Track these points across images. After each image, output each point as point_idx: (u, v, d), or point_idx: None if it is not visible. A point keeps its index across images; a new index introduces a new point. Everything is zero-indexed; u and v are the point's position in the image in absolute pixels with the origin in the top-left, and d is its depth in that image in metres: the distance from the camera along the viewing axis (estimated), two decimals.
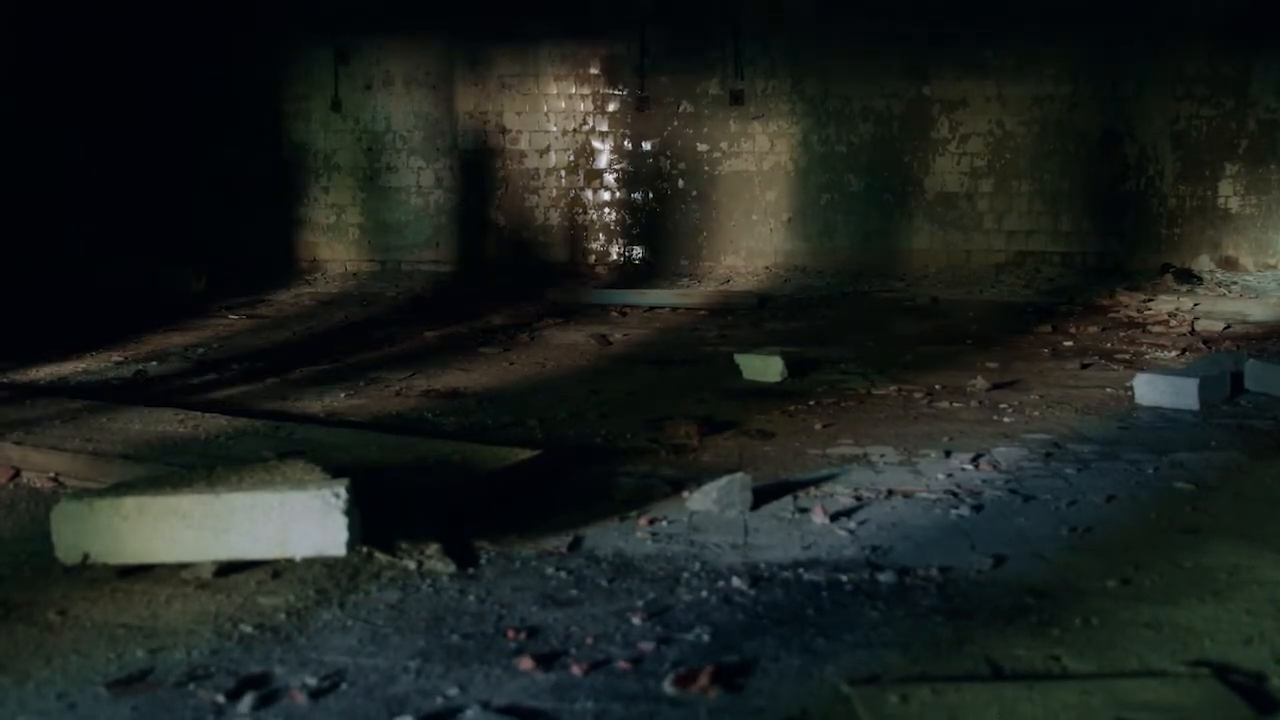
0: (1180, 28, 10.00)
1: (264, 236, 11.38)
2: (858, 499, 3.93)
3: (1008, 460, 4.41)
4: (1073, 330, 7.61)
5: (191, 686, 2.58)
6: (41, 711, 2.48)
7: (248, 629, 2.88)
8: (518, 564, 3.33)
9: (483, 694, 2.53)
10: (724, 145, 10.81)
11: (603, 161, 11.04)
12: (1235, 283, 9.69)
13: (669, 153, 10.92)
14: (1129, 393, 5.45)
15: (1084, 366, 6.34)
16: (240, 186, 11.40)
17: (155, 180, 11.04)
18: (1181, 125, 10.16)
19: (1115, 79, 10.17)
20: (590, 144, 11.04)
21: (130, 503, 3.18)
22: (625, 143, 10.99)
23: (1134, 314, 8.30)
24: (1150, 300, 8.70)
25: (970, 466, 4.32)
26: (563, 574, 3.25)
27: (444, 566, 3.27)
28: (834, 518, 3.71)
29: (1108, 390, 5.68)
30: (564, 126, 11.06)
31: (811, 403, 5.45)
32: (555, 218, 11.15)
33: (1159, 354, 6.73)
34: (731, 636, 2.81)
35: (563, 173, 11.10)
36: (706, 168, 10.86)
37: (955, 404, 5.40)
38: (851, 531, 3.59)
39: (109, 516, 3.19)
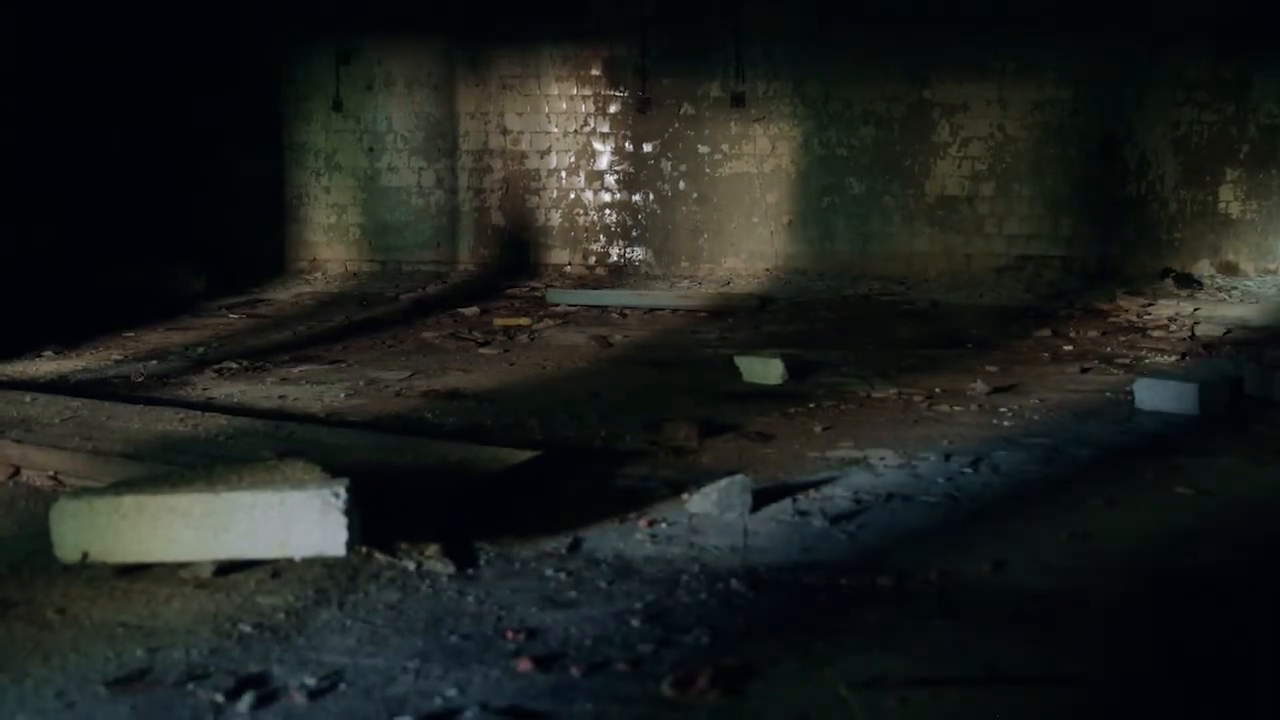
0: (1181, 33, 9.99)
1: (264, 236, 11.37)
2: (857, 502, 3.93)
3: (1007, 464, 4.41)
4: (1073, 334, 7.61)
5: (190, 686, 2.57)
6: (40, 710, 2.48)
7: (247, 629, 2.88)
8: (517, 565, 3.33)
9: (482, 695, 2.53)
10: (725, 147, 10.81)
11: (604, 163, 11.04)
12: (1235, 288, 9.69)
13: (670, 154, 10.92)
14: (1129, 397, 5.45)
15: (1084, 370, 6.34)
16: (240, 186, 11.39)
17: (155, 180, 11.03)
18: (1182, 130, 10.15)
19: (1116, 84, 10.16)
20: (591, 145, 11.04)
21: (129, 501, 3.18)
22: (626, 144, 10.99)
23: (1134, 318, 8.30)
24: (1150, 304, 8.69)
25: (970, 470, 4.32)
26: (562, 575, 3.25)
27: (443, 567, 3.28)
28: (833, 520, 3.71)
29: (1107, 394, 5.68)
30: (565, 128, 11.05)
31: (811, 405, 5.45)
32: (556, 219, 11.14)
33: (1159, 358, 6.73)
34: (731, 639, 2.81)
35: (564, 174, 11.10)
36: (707, 170, 10.85)
37: (955, 407, 5.39)
38: (851, 534, 3.59)
39: (108, 515, 3.18)
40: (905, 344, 7.39)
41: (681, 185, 10.92)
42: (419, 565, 3.28)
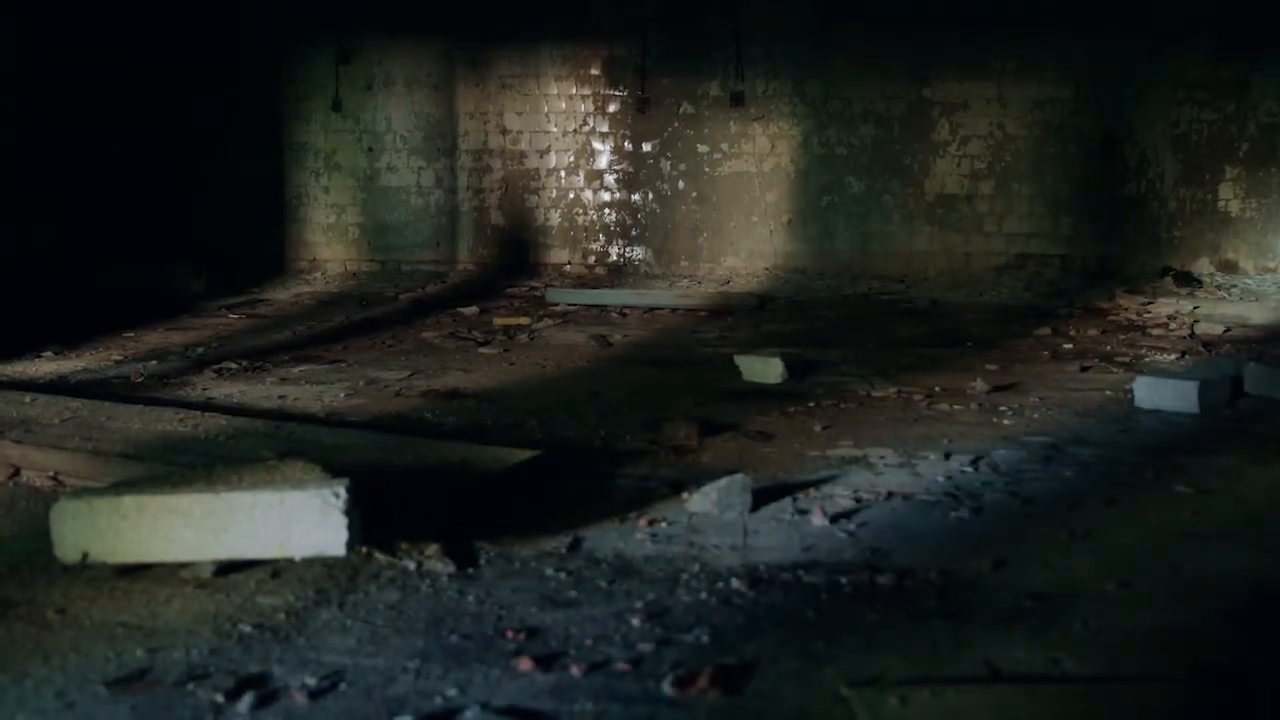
0: (1181, 33, 10.00)
1: (263, 236, 11.37)
2: (857, 501, 3.93)
3: (1007, 463, 4.41)
4: (1073, 333, 7.61)
5: (190, 686, 2.58)
6: (40, 710, 2.48)
7: (247, 629, 2.88)
8: (517, 565, 3.33)
9: (482, 695, 2.53)
10: (724, 146, 10.81)
11: (603, 162, 11.04)
12: (1235, 286, 9.69)
13: (669, 154, 10.92)
14: (1129, 395, 5.45)
15: (1084, 369, 6.34)
16: (240, 186, 11.39)
17: (155, 180, 11.03)
18: (1182, 129, 10.15)
19: (1116, 83, 10.16)
20: (590, 145, 11.04)
21: (130, 501, 3.18)
22: (625, 143, 10.99)
23: (1134, 317, 8.30)
24: (1150, 303, 8.69)
25: (970, 469, 4.32)
26: (562, 575, 3.25)
27: (443, 567, 3.28)
28: (833, 519, 3.71)
29: (1107, 393, 5.68)
30: (564, 127, 11.06)
31: (811, 404, 5.45)
32: (555, 218, 11.15)
33: (1159, 357, 6.74)
34: (731, 638, 2.81)
35: (563, 173, 11.10)
36: (707, 169, 10.86)
37: (955, 406, 5.40)
38: (851, 533, 3.59)
39: (108, 515, 3.18)
40: (905, 343, 7.39)
41: (681, 184, 10.92)
42: (419, 565, 3.28)
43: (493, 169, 11.20)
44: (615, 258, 11.07)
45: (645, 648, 2.75)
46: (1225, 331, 7.61)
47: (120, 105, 10.73)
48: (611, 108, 10.96)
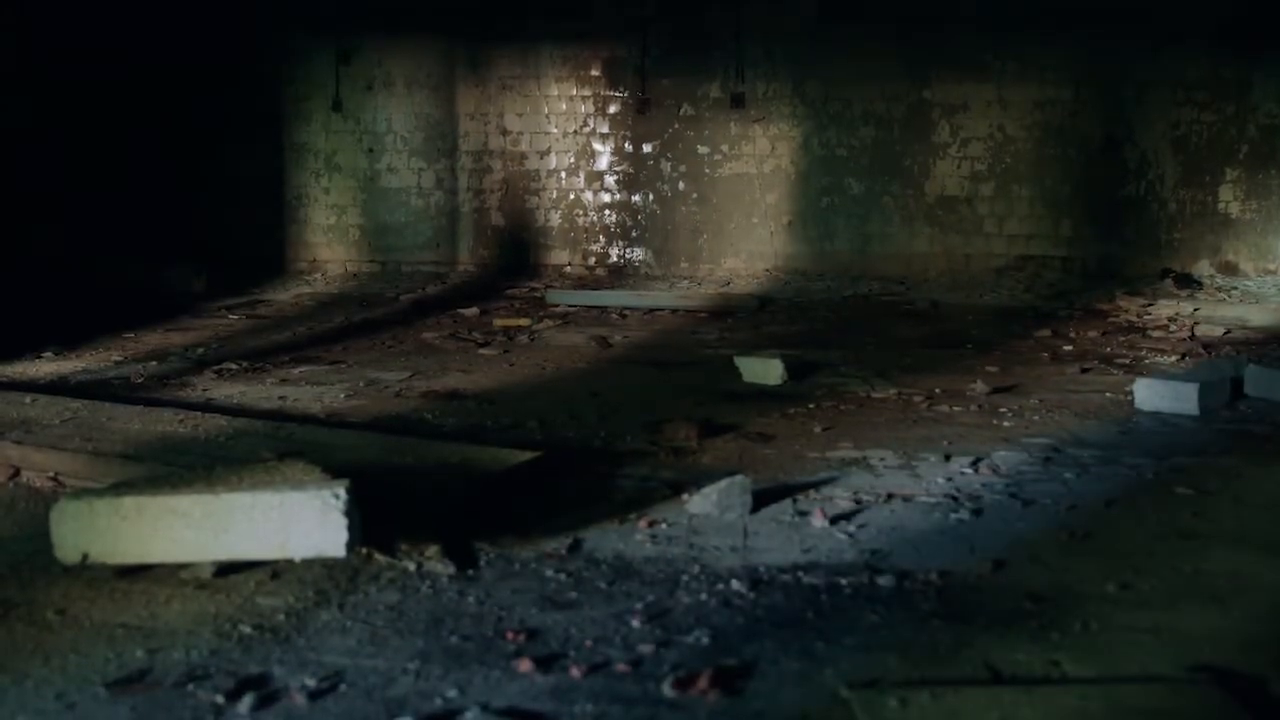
0: (1181, 33, 10.01)
1: (264, 237, 11.37)
2: (857, 502, 3.93)
3: (1007, 464, 4.41)
4: (1073, 334, 7.62)
5: (190, 687, 2.58)
6: (40, 711, 2.48)
7: (247, 629, 2.88)
8: (517, 566, 3.33)
9: (482, 696, 2.53)
10: (725, 148, 10.81)
11: (603, 163, 11.04)
12: (1235, 288, 9.70)
13: (670, 155, 10.92)
14: (1129, 397, 5.45)
15: (1084, 371, 6.34)
16: (240, 186, 11.39)
17: (155, 180, 11.03)
18: (1182, 130, 10.16)
19: (1116, 84, 10.17)
20: (591, 146, 11.04)
21: (130, 502, 3.18)
22: (626, 145, 10.99)
23: (1134, 318, 8.30)
24: (1150, 305, 8.69)
25: (970, 470, 4.32)
26: (562, 576, 3.25)
27: (443, 568, 3.27)
28: (833, 521, 3.71)
29: (1107, 395, 5.68)
30: (565, 128, 11.06)
31: (811, 406, 5.45)
32: (556, 219, 11.15)
33: (1159, 359, 6.74)
34: (731, 639, 2.81)
35: (563, 174, 11.10)
36: (707, 170, 10.86)
37: (955, 408, 5.40)
38: (851, 535, 3.59)
39: (108, 516, 3.18)
40: (905, 344, 7.39)
41: (681, 186, 10.92)
42: (419, 566, 3.28)
43: (493, 170, 11.20)
44: (615, 259, 11.07)
45: (645, 649, 2.75)
46: (1225, 333, 7.61)
47: (120, 105, 10.73)
48: (612, 109, 10.96)
